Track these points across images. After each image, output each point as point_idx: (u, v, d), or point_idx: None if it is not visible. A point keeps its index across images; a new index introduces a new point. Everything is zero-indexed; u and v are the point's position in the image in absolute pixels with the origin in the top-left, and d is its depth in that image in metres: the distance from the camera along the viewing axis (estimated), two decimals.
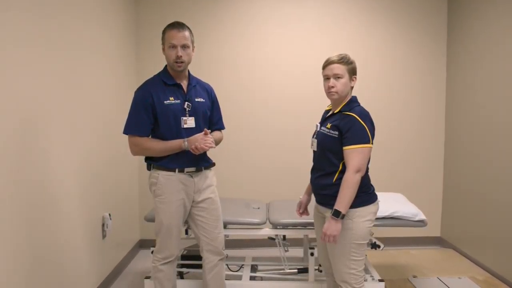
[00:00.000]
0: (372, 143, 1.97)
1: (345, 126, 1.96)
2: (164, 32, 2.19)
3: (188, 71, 2.30)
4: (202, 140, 2.12)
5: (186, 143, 2.14)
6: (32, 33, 2.05)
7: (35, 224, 2.07)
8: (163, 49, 2.21)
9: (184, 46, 2.15)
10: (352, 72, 2.03)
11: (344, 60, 2.00)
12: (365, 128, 1.94)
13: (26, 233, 1.99)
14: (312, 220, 2.32)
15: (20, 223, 1.94)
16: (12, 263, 1.88)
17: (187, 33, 2.17)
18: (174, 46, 2.13)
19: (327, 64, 2.04)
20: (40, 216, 2.12)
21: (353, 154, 1.93)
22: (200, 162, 2.27)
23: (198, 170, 2.27)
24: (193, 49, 2.24)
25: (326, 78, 2.04)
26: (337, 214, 1.90)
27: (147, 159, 2.28)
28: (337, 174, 2.00)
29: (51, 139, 2.25)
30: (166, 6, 3.83)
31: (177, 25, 2.16)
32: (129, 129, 2.20)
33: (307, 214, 2.36)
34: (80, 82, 2.62)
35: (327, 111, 2.18)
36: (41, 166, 2.14)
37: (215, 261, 2.34)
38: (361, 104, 2.07)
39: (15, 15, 1.90)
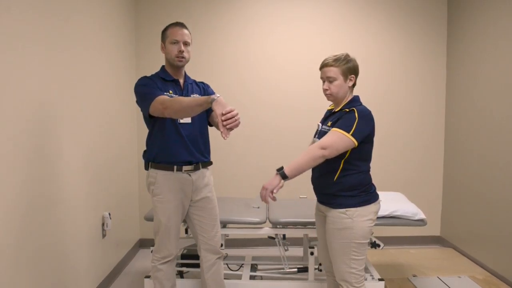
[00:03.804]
0: (356, 141, 1.91)
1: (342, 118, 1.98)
2: (165, 30, 2.24)
3: (184, 71, 2.33)
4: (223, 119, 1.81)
5: (217, 99, 1.85)
6: (35, 34, 2.05)
7: (35, 223, 2.07)
8: (162, 48, 2.25)
9: (186, 43, 2.21)
10: (348, 72, 2.01)
11: (338, 62, 1.98)
12: (355, 121, 1.92)
13: (26, 233, 1.99)
14: (313, 220, 2.32)
15: (20, 223, 1.94)
16: (13, 262, 1.88)
17: (187, 31, 2.24)
18: (176, 42, 2.18)
19: (321, 66, 2.04)
20: (40, 216, 2.11)
21: (331, 134, 1.93)
22: (198, 156, 2.27)
23: (196, 168, 2.27)
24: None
25: (322, 80, 2.05)
26: (281, 170, 1.91)
27: (145, 154, 2.28)
28: (338, 173, 2.00)
29: (52, 140, 2.24)
30: (166, 6, 3.83)
31: (179, 23, 2.23)
32: (150, 97, 2.07)
33: (274, 199, 2.03)
34: (79, 82, 2.62)
35: (329, 110, 2.18)
36: (42, 166, 2.13)
37: (213, 259, 2.35)
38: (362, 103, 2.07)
39: (15, 15, 1.89)
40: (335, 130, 1.92)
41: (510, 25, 3.06)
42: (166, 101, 2.01)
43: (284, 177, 1.90)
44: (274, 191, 1.90)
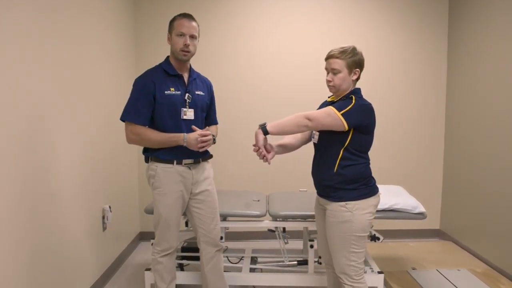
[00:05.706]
0: (347, 123, 1.90)
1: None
2: (172, 21, 2.19)
3: (190, 64, 2.30)
4: (198, 141, 2.12)
5: (186, 140, 2.13)
6: (34, 30, 2.04)
7: (36, 216, 2.07)
8: (168, 38, 2.21)
9: (192, 37, 2.17)
10: (353, 66, 1.99)
11: (344, 54, 1.97)
12: (350, 105, 1.92)
13: (27, 226, 1.99)
14: (312, 213, 2.32)
15: (21, 216, 1.94)
16: (14, 255, 1.88)
17: (195, 24, 2.19)
18: (182, 35, 2.14)
19: (326, 57, 2.03)
20: (41, 209, 2.12)
21: (322, 109, 1.97)
22: (198, 154, 2.26)
23: (196, 162, 2.27)
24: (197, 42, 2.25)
25: (326, 71, 2.04)
26: (263, 125, 1.98)
27: (145, 151, 2.27)
28: (338, 161, 1.99)
29: (52, 133, 2.24)
30: (164, 1, 3.81)
31: (188, 15, 2.18)
32: (128, 116, 2.15)
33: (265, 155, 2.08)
34: (79, 76, 2.61)
35: (328, 102, 2.16)
36: (42, 159, 2.13)
37: (212, 252, 2.35)
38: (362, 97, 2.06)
39: (14, 12, 1.89)
40: (328, 107, 1.96)
41: (510, 23, 3.04)
42: (138, 134, 2.15)
43: (266, 132, 1.98)
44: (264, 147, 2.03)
